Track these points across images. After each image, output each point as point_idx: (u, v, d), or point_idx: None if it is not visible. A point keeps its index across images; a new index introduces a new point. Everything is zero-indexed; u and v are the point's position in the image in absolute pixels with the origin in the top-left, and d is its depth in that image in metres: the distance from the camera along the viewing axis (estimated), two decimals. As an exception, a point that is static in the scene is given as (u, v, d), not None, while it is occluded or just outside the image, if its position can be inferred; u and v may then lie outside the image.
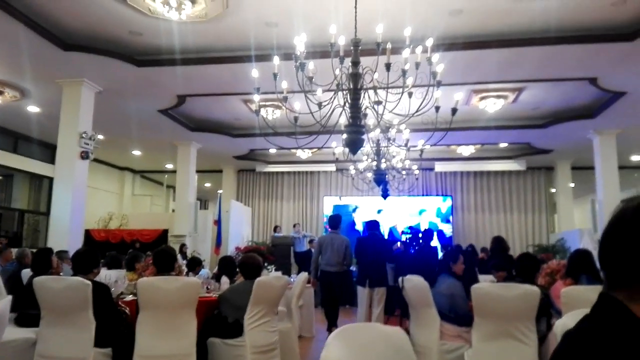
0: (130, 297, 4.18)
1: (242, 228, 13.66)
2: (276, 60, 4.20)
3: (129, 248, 10.40)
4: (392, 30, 4.63)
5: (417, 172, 9.36)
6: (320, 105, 4.22)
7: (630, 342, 0.80)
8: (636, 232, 0.86)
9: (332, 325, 6.92)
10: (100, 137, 10.37)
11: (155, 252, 4.28)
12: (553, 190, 14.16)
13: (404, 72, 4.04)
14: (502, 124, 10.13)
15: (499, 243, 7.15)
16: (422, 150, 6.42)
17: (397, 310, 7.72)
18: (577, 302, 3.20)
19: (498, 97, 8.66)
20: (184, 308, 3.78)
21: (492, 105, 8.81)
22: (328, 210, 13.96)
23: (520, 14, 5.79)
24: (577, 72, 7.37)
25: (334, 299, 6.98)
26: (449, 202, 14.15)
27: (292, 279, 6.21)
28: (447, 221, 13.98)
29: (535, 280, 4.30)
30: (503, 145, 12.40)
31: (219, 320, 4.19)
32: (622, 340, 0.80)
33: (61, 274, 4.81)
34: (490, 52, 6.57)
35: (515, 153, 12.93)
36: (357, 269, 7.06)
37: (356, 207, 14.23)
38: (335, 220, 7.35)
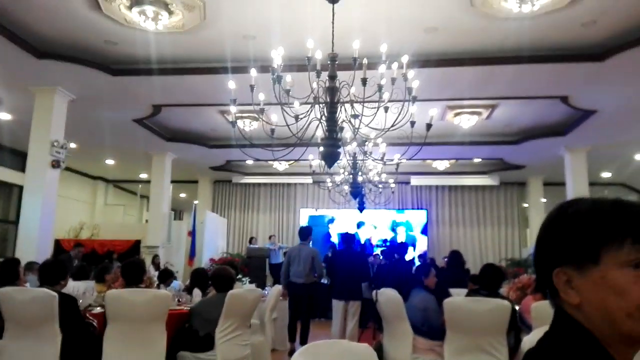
0: (98, 310, 4.09)
1: (217, 239, 13.54)
2: (253, 72, 4.21)
3: (100, 258, 10.20)
4: (369, 46, 4.68)
5: (393, 185, 9.44)
6: (297, 117, 4.24)
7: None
8: (574, 224, 0.87)
9: (293, 340, 6.85)
10: (73, 145, 10.20)
11: (123, 264, 4.21)
12: (525, 205, 14.40)
13: (380, 87, 4.09)
14: (476, 139, 10.30)
15: (456, 257, 7.30)
16: (398, 164, 6.47)
17: (369, 323, 7.73)
18: (547, 316, 3.23)
19: (472, 113, 8.81)
20: (153, 321, 3.71)
21: (467, 121, 8.95)
22: (304, 222, 13.94)
23: (494, 33, 5.92)
24: (549, 91, 7.54)
25: (303, 312, 6.93)
26: (423, 215, 14.29)
27: (266, 292, 6.16)
28: (425, 233, 14.13)
29: (506, 293, 4.33)
30: (477, 160, 12.60)
31: (189, 333, 4.13)
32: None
33: (27, 284, 4.68)
34: (465, 70, 6.69)
35: (489, 168, 13.14)
36: (333, 283, 7.04)
37: (332, 219, 14.24)
38: (304, 232, 7.36)
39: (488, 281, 4.10)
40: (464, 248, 12.94)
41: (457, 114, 8.86)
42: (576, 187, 10.05)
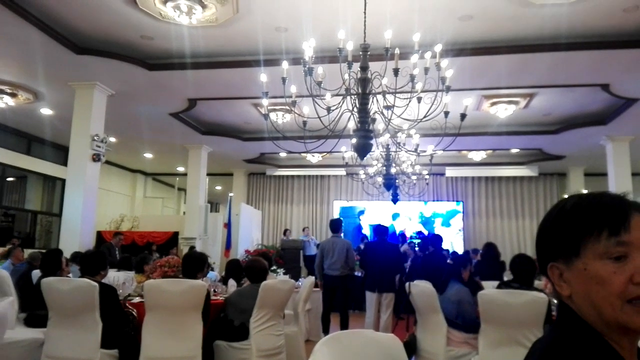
0: (137, 299, 4.21)
1: (252, 231, 13.69)
2: (285, 64, 4.22)
3: (140, 249, 10.48)
4: (401, 36, 4.64)
5: (427, 177, 9.33)
6: (328, 109, 4.24)
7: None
8: (573, 219, 0.90)
9: (327, 332, 6.87)
10: (112, 139, 10.49)
11: (184, 256, 4.32)
12: (565, 196, 13.95)
13: (412, 77, 4.04)
14: (514, 129, 10.06)
15: (490, 249, 7.07)
16: (432, 156, 6.39)
17: (403, 314, 7.70)
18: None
19: (509, 102, 8.61)
20: (190, 310, 3.79)
21: (504, 111, 8.75)
22: (337, 214, 13.96)
23: (530, 20, 5.76)
24: (589, 79, 7.30)
25: (340, 303, 6.94)
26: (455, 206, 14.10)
27: (299, 283, 6.20)
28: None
29: (544, 286, 4.22)
30: (515, 151, 12.30)
31: (225, 323, 4.20)
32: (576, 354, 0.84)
33: (70, 275, 4.85)
34: (500, 58, 6.54)
35: (527, 159, 12.82)
36: (366, 275, 7.03)
37: (363, 210, 14.20)
38: (335, 225, 7.34)
39: (519, 272, 3.92)
40: (500, 240, 12.72)
41: (493, 104, 8.67)
42: (618, 178, 9.72)
